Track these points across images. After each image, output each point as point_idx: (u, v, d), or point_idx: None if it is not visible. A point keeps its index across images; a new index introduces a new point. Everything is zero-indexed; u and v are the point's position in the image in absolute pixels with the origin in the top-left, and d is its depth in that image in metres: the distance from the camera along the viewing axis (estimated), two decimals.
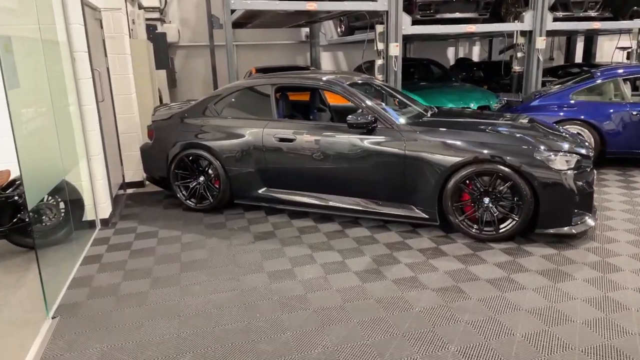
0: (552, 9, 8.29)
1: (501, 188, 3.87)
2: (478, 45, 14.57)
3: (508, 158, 3.79)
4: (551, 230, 3.84)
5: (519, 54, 8.32)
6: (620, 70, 6.32)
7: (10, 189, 3.89)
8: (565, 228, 3.81)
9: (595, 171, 4.11)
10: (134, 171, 5.94)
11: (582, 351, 2.52)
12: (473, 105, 7.74)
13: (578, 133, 5.90)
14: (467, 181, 3.94)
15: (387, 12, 7.19)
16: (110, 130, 5.34)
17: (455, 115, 5.08)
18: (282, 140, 4.54)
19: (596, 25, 8.49)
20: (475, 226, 3.98)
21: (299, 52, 12.89)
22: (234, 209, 5.01)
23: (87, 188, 4.45)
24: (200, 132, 4.88)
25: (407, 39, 10.89)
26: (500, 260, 3.63)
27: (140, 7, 7.77)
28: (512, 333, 2.70)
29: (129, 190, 5.89)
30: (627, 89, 6.20)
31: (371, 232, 4.26)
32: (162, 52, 8.24)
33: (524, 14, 8.01)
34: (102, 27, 5.36)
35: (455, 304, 3.02)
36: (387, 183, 4.21)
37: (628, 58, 9.14)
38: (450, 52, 14.32)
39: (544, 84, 8.39)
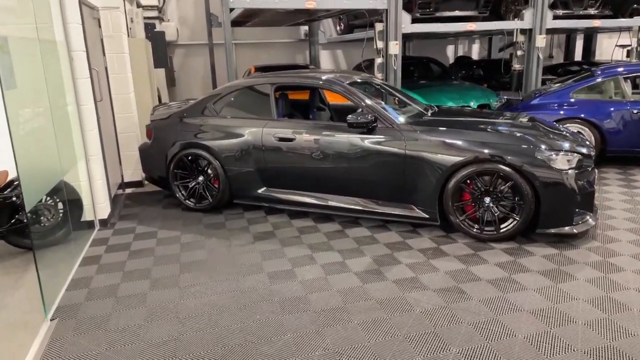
0: (552, 6, 8.27)
1: (502, 188, 3.85)
2: (477, 43, 14.54)
3: (509, 157, 3.77)
4: (552, 230, 3.82)
5: (519, 52, 8.30)
6: (621, 69, 6.30)
7: (8, 190, 3.87)
8: (567, 228, 3.80)
9: (596, 170, 4.09)
10: (133, 171, 5.91)
11: (584, 353, 2.51)
12: (473, 104, 7.72)
13: (578, 132, 5.88)
14: (468, 181, 3.92)
15: (386, 10, 7.16)
16: (108, 129, 5.31)
17: (455, 114, 5.06)
18: (281, 139, 4.51)
19: (596, 23, 8.47)
20: (476, 226, 3.96)
21: (298, 50, 12.86)
22: (233, 208, 4.99)
23: (85, 188, 4.43)
24: (199, 132, 4.86)
25: (407, 37, 10.86)
26: (501, 261, 3.61)
27: (139, 5, 7.73)
28: (513, 334, 2.68)
29: (128, 190, 5.87)
30: (627, 87, 6.18)
31: (371, 232, 4.24)
32: (161, 50, 8.21)
33: (523, 11, 7.99)
34: (100, 26, 5.33)
35: (456, 305, 3.01)
36: (387, 183, 4.19)
37: (628, 56, 9.12)
38: (450, 50, 14.30)
39: (543, 82, 8.37)
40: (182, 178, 5.00)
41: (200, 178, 4.93)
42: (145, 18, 8.67)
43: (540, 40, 8.00)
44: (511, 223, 3.87)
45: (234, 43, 10.23)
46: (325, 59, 13.01)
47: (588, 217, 3.88)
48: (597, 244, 3.84)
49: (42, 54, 3.64)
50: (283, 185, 4.66)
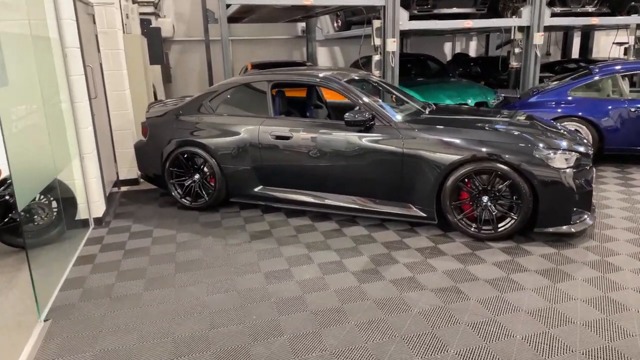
0: (550, 4, 8.24)
1: (500, 186, 3.83)
2: (475, 41, 14.52)
3: (507, 156, 3.75)
4: (550, 229, 3.80)
5: (517, 50, 8.28)
6: (618, 67, 6.29)
7: (2, 188, 3.82)
8: (565, 227, 3.78)
9: (594, 169, 4.08)
10: (128, 168, 5.86)
11: (582, 353, 2.49)
12: (470, 102, 7.70)
13: (576, 130, 5.87)
14: (466, 179, 3.90)
15: (384, 7, 7.12)
16: (103, 127, 5.26)
17: (453, 112, 5.04)
18: (278, 137, 4.48)
19: (594, 20, 8.46)
20: (473, 225, 3.95)
21: (295, 47, 12.81)
22: (229, 207, 4.95)
23: (80, 186, 4.38)
24: (195, 130, 4.82)
25: (404, 34, 10.83)
26: (499, 260, 3.59)
27: (134, 1, 7.66)
28: (511, 335, 2.67)
29: (123, 188, 5.82)
30: (625, 85, 6.17)
31: (369, 231, 4.21)
32: (157, 47, 8.16)
33: (521, 9, 7.96)
34: (94, 22, 5.26)
35: (454, 305, 2.99)
36: (384, 181, 4.16)
37: (625, 54, 9.12)
38: (448, 48, 14.27)
39: (541, 79, 8.36)
40: (178, 176, 4.95)
41: (196, 176, 4.89)
42: (141, 14, 8.59)
43: (538, 38, 7.98)
44: (509, 222, 3.86)
45: (230, 39, 10.18)
46: (323, 56, 12.97)
47: (586, 216, 3.87)
48: (595, 243, 3.83)
49: (35, 50, 3.59)
50: (280, 183, 4.63)
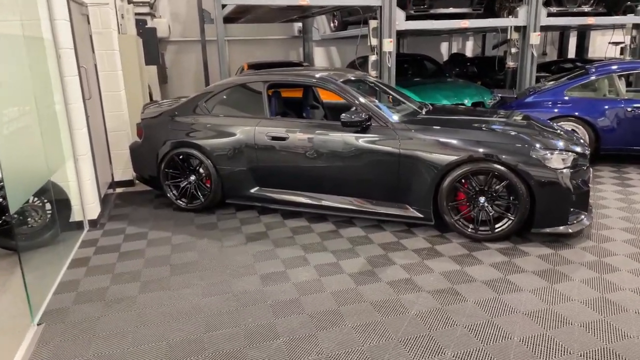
0: (546, 4, 8.25)
1: (497, 187, 3.81)
2: (472, 41, 14.53)
3: (504, 157, 3.74)
4: (547, 230, 3.79)
5: (513, 50, 8.28)
6: (615, 66, 6.29)
7: None
8: (562, 227, 3.77)
9: (591, 169, 4.07)
10: (124, 170, 5.83)
11: (580, 355, 2.48)
12: (467, 102, 7.69)
13: (572, 130, 5.87)
14: (463, 180, 3.89)
15: (380, 7, 7.11)
16: (98, 128, 5.22)
17: (449, 112, 5.02)
18: (274, 138, 4.45)
19: (590, 20, 8.47)
20: (470, 226, 3.93)
21: (292, 47, 12.77)
22: (225, 208, 4.92)
23: (74, 188, 4.34)
24: (191, 131, 4.78)
25: (401, 34, 10.82)
26: (496, 261, 3.58)
27: (130, 1, 7.61)
28: (509, 337, 2.65)
29: (119, 190, 5.78)
30: (621, 85, 6.18)
31: (365, 232, 4.19)
32: (152, 47, 8.09)
33: (518, 9, 7.97)
34: (89, 23, 5.22)
35: (451, 307, 2.97)
36: (381, 182, 4.14)
37: (621, 53, 9.14)
38: (444, 48, 14.27)
39: (537, 79, 8.37)
40: (173, 177, 4.92)
41: (192, 177, 4.86)
42: (136, 14, 8.55)
43: (535, 38, 7.99)
44: (506, 223, 3.84)
45: (226, 40, 10.13)
46: (319, 56, 12.94)
47: (583, 217, 3.86)
48: (592, 244, 3.82)
49: (28, 51, 3.55)
50: (276, 184, 4.60)
